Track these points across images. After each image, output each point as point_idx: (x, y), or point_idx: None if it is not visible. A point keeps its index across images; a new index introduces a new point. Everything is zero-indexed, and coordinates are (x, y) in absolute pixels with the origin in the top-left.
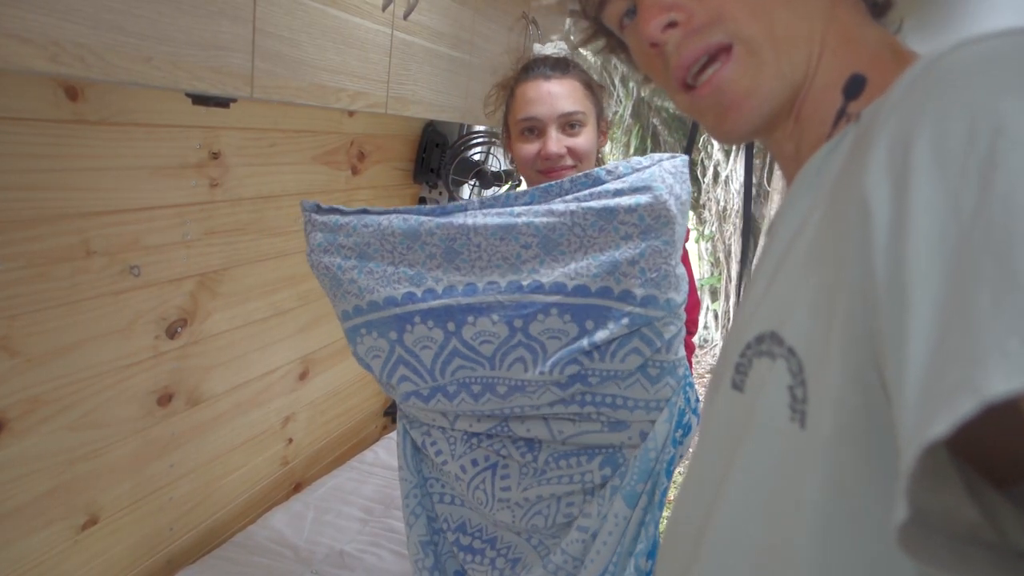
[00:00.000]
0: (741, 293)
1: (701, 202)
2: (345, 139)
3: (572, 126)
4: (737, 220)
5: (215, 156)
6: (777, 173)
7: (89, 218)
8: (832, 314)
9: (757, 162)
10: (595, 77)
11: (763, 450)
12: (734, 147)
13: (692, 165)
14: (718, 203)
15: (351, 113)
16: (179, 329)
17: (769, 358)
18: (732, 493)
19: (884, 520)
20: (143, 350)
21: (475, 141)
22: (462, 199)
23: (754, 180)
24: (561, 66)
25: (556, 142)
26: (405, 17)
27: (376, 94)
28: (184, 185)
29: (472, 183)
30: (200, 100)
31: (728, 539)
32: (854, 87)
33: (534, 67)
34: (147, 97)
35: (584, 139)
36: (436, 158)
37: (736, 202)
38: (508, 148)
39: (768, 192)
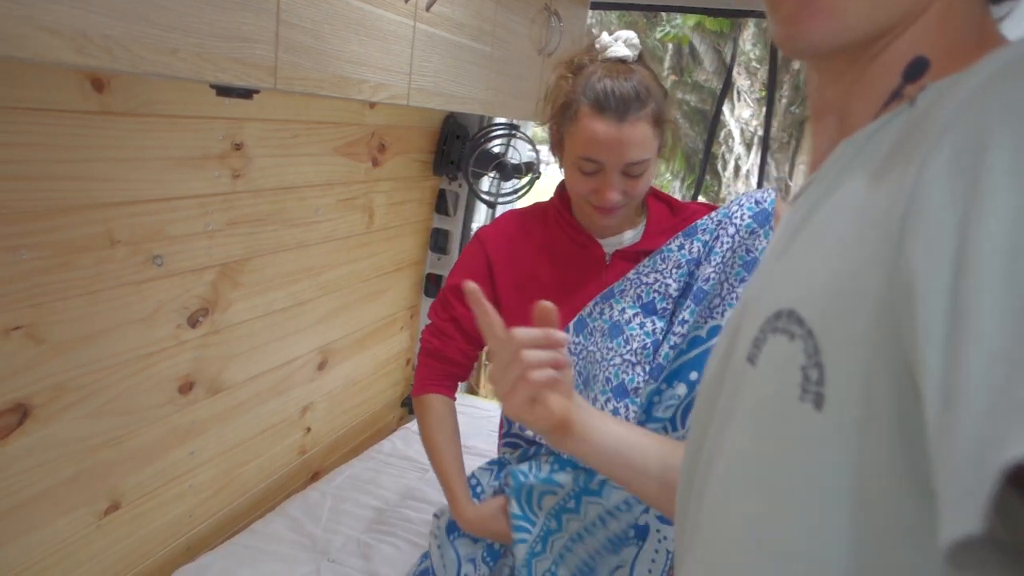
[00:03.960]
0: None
1: (721, 196)
2: (366, 131)
3: (634, 173)
4: None
5: (237, 147)
6: (799, 168)
7: (113, 208)
8: (858, 301)
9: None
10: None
11: (767, 424)
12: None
13: (712, 159)
14: None
15: (372, 105)
16: (201, 319)
17: (786, 336)
18: (732, 462)
19: (901, 511)
20: (165, 339)
21: (495, 133)
22: (482, 191)
23: (775, 174)
24: (636, 105)
25: (617, 190)
26: (427, 9)
27: (398, 86)
28: (207, 176)
29: (492, 175)
30: (224, 91)
31: (723, 506)
32: (914, 70)
33: (607, 102)
34: (172, 89)
35: (643, 181)
36: (456, 150)
37: None
38: (555, 151)
39: (790, 187)
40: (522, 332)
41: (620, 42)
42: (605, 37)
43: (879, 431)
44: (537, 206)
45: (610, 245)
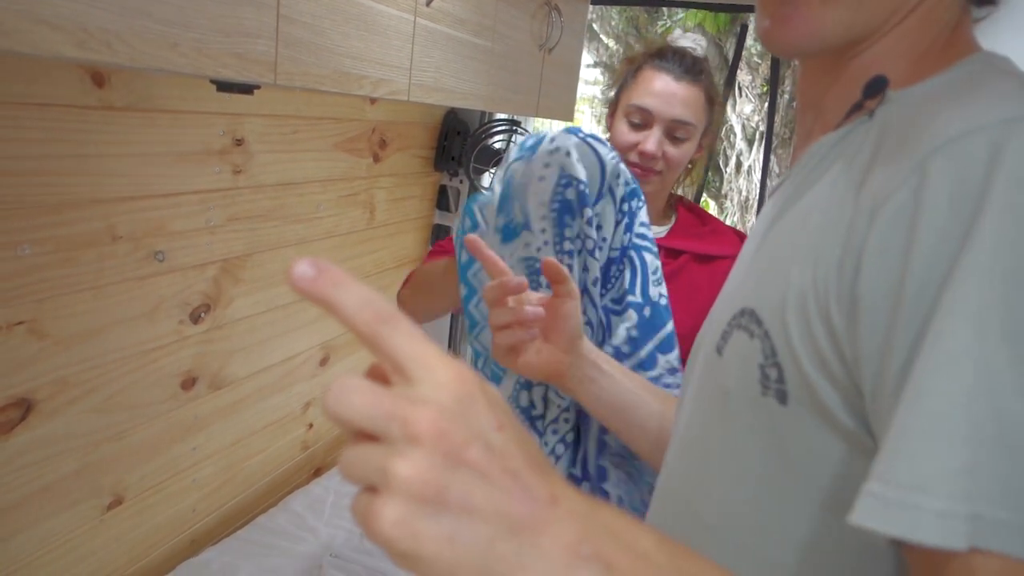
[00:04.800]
0: None
1: (723, 192)
2: (367, 126)
3: (677, 135)
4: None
5: (238, 143)
6: None
7: (115, 204)
8: (807, 312)
9: (782, 152)
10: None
11: (733, 415)
12: (756, 139)
13: (715, 154)
14: (740, 193)
15: (373, 100)
16: (202, 314)
17: (747, 334)
18: (684, 443)
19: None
20: (167, 334)
21: (496, 129)
22: (483, 187)
23: (777, 170)
24: (695, 70)
25: (657, 143)
26: (428, 4)
27: (398, 81)
28: (208, 171)
29: (493, 171)
30: (224, 87)
31: (667, 482)
32: (873, 88)
33: (669, 58)
34: (172, 84)
35: (682, 151)
36: (457, 146)
37: (758, 192)
38: (609, 122)
39: None
40: (488, 286)
41: (688, 38)
42: (677, 32)
43: (833, 424)
44: None
45: None
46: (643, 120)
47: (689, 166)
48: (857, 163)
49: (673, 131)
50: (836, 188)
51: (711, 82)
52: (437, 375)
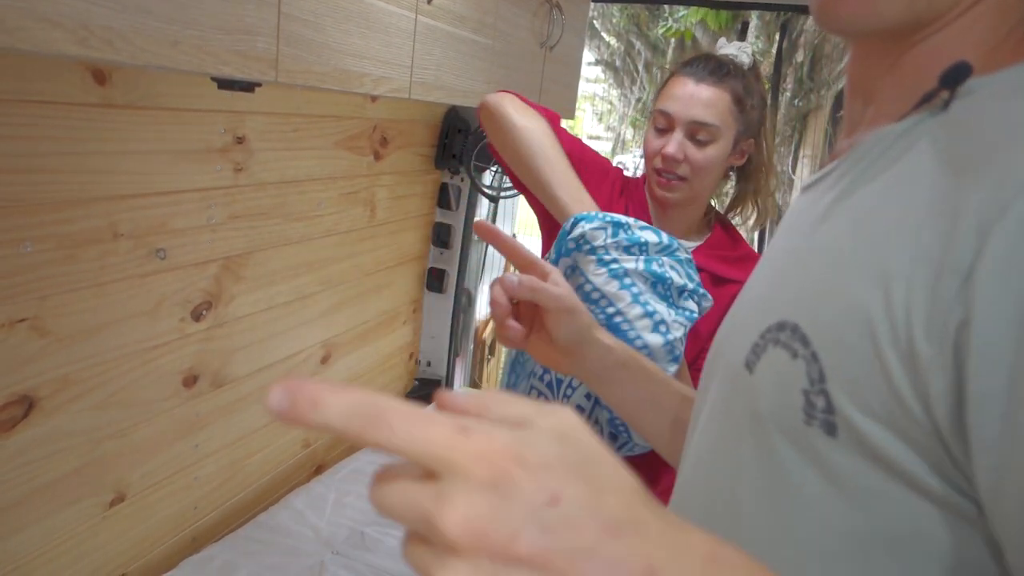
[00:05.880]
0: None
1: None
2: (368, 124)
3: (699, 138)
4: None
5: (239, 141)
6: (802, 162)
7: (116, 201)
8: (876, 338)
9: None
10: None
11: (767, 441)
12: None
13: (771, 166)
14: None
15: (374, 98)
16: (204, 312)
17: (788, 352)
18: (732, 472)
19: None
20: (169, 332)
21: None
22: (484, 185)
23: (779, 168)
24: (718, 72)
25: (677, 145)
26: (429, 2)
27: (399, 79)
28: (209, 169)
29: (494, 169)
30: (225, 84)
31: (685, 500)
32: (954, 77)
33: (694, 63)
34: (173, 81)
35: (706, 155)
36: (458, 144)
37: None
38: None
39: (793, 181)
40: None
41: (733, 46)
42: (723, 41)
43: (896, 473)
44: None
45: None
46: (666, 124)
47: (732, 173)
48: (930, 162)
49: (694, 133)
50: (907, 191)
51: (743, 84)
52: (456, 461)
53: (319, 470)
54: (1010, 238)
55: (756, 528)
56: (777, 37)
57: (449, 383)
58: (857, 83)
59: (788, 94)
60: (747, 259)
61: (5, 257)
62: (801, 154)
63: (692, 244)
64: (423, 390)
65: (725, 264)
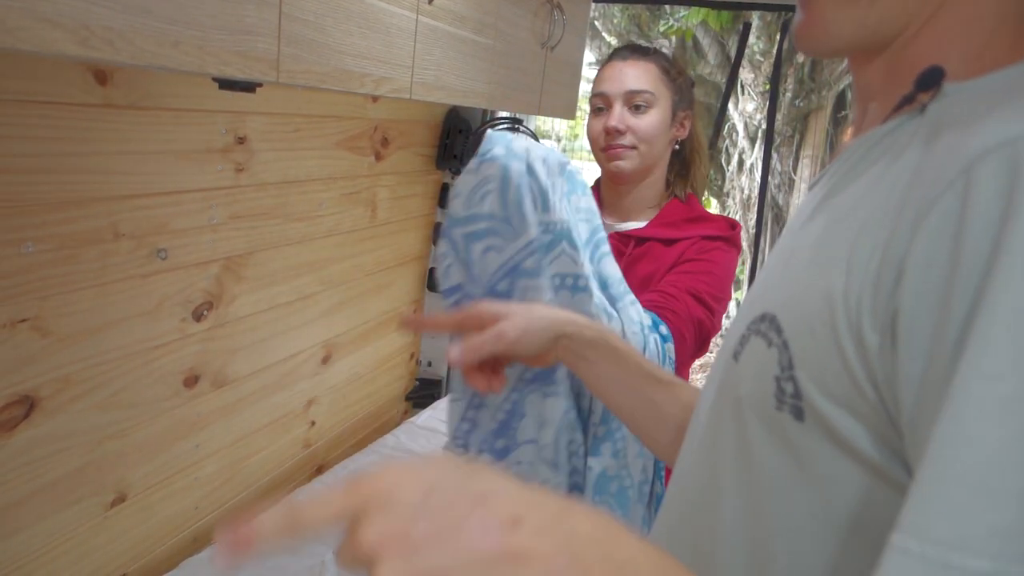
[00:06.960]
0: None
1: (725, 190)
2: (369, 124)
3: (638, 106)
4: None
5: (241, 141)
6: (802, 162)
7: (117, 201)
8: (836, 326)
9: (784, 150)
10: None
11: (746, 426)
12: (759, 137)
13: (717, 153)
14: (742, 191)
15: (375, 98)
16: (205, 312)
17: (764, 341)
18: (711, 459)
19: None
20: (170, 332)
21: (498, 127)
22: None
23: (779, 168)
24: (641, 50)
25: (618, 118)
26: (430, 2)
27: (400, 79)
28: (210, 170)
29: None
30: (226, 85)
31: (700, 493)
32: (927, 80)
33: (617, 50)
34: (174, 82)
35: (648, 121)
36: (459, 144)
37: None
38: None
39: (794, 181)
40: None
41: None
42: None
43: (853, 452)
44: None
45: (611, 230)
46: (604, 103)
47: (677, 147)
48: (902, 163)
49: (631, 100)
50: (877, 189)
51: (664, 58)
52: (355, 508)
53: (320, 470)
54: (932, 233)
55: (734, 508)
56: (778, 37)
57: (449, 383)
58: (858, 90)
59: (789, 94)
60: (701, 219)
61: (6, 257)
62: (802, 154)
63: (644, 223)
64: (424, 390)
65: (672, 228)
